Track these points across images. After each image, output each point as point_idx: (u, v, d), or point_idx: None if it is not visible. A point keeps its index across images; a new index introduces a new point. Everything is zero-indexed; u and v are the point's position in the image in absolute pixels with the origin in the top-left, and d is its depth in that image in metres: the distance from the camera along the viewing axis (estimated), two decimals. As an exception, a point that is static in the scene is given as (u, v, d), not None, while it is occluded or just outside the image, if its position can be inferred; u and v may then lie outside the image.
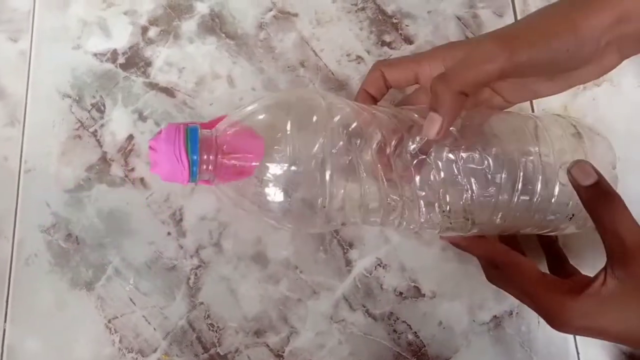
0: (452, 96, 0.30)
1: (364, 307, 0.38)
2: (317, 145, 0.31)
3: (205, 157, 0.31)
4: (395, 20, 0.43)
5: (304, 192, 0.31)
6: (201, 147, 0.31)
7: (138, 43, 0.42)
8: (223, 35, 0.42)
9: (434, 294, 0.38)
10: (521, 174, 0.32)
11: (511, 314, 0.38)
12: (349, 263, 0.38)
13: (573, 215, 0.34)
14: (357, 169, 0.32)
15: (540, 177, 0.33)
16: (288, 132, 0.31)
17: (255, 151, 0.31)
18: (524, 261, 0.32)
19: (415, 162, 0.32)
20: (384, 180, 0.32)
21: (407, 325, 0.38)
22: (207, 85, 0.41)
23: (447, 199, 0.32)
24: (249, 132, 0.32)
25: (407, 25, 0.43)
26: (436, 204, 0.32)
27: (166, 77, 0.41)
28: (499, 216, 0.33)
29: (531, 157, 0.33)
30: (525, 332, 0.38)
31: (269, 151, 0.31)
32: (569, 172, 0.30)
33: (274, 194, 0.31)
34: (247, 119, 0.33)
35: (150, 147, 0.32)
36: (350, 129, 0.32)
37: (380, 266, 0.39)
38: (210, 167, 0.32)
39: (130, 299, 0.37)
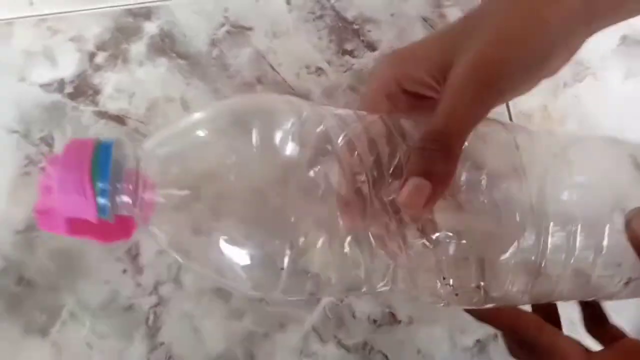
0: (453, 161, 0.23)
1: (336, 337, 0.35)
2: (277, 180, 0.23)
3: (120, 186, 0.23)
4: (356, 27, 0.41)
5: (259, 245, 0.23)
6: (115, 172, 0.23)
7: (85, 70, 0.40)
8: (174, 55, 0.40)
9: (411, 319, 0.35)
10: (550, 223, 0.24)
11: (496, 337, 0.35)
12: (318, 291, 0.36)
13: (630, 279, 0.25)
14: (332, 214, 0.23)
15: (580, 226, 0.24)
16: (240, 158, 0.23)
17: (190, 185, 0.24)
18: (564, 342, 0.25)
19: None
20: (371, 236, 0.24)
21: (384, 354, 0.35)
22: (160, 110, 0.39)
23: (447, 265, 0.24)
24: (187, 153, 0.24)
25: (369, 31, 0.41)
26: (433, 271, 0.24)
27: (116, 104, 0.39)
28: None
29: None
30: (512, 355, 0.35)
31: (210, 186, 0.23)
32: (628, 224, 0.23)
33: (220, 249, 0.23)
34: (187, 135, 0.24)
35: (44, 168, 0.24)
36: (325, 153, 0.24)
37: (352, 292, 0.36)
38: (127, 200, 0.23)
39: (87, 344, 0.35)
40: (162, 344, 0.35)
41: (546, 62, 0.25)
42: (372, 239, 0.23)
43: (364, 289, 0.25)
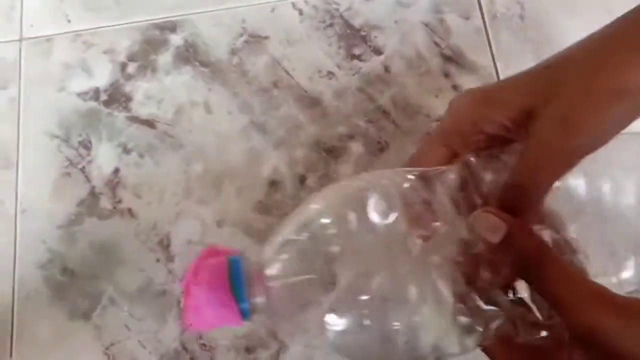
0: (533, 214, 0.24)
1: (350, 317, 0.38)
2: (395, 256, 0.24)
3: (253, 289, 0.25)
4: (363, 33, 0.44)
5: (384, 322, 0.24)
6: (248, 281, 0.25)
7: (118, 80, 0.44)
8: (197, 63, 0.44)
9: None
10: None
11: None
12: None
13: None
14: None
15: None
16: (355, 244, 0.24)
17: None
18: None
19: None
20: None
21: (394, 331, 0.38)
22: (186, 114, 0.43)
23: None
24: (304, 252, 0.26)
25: (375, 37, 0.44)
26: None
27: (146, 110, 0.43)
28: None
29: None
30: None
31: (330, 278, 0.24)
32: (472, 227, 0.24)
33: (343, 329, 0.24)
34: (296, 234, 0.26)
35: (185, 292, 0.26)
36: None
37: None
38: (261, 301, 0.25)
39: (126, 326, 0.39)
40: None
41: (624, 127, 0.25)
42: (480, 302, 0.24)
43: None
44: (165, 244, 0.40)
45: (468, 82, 0.43)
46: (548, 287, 0.22)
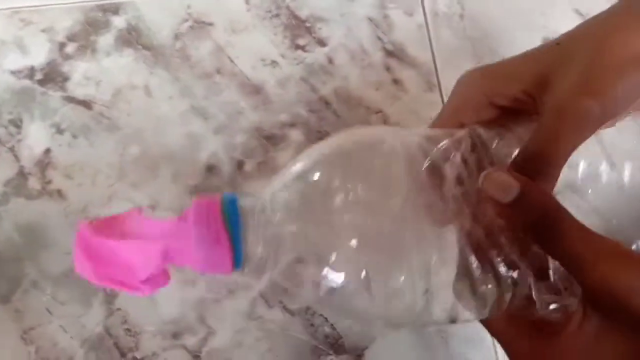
0: (551, 183, 0.23)
1: (281, 303, 0.38)
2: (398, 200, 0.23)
3: (253, 233, 0.22)
4: (308, 25, 0.45)
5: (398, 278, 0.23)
6: (246, 221, 0.22)
7: (55, 59, 0.43)
8: (140, 47, 0.43)
9: (352, 286, 0.38)
10: None
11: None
12: (267, 261, 0.39)
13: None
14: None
15: None
16: (357, 193, 0.23)
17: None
18: None
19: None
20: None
21: (324, 318, 0.38)
22: (125, 96, 0.42)
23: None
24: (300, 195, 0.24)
25: (320, 29, 0.45)
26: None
27: (83, 91, 0.42)
28: None
29: None
30: (445, 319, 0.38)
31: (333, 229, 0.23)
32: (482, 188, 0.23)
33: (349, 282, 0.22)
34: (297, 180, 0.24)
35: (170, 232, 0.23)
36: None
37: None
38: (260, 252, 0.23)
39: (47, 309, 0.37)
40: (118, 309, 0.37)
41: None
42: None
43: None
44: (94, 227, 0.39)
45: (408, 77, 0.44)
46: (564, 244, 0.21)
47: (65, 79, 0.42)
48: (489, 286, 0.24)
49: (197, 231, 0.22)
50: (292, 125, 0.42)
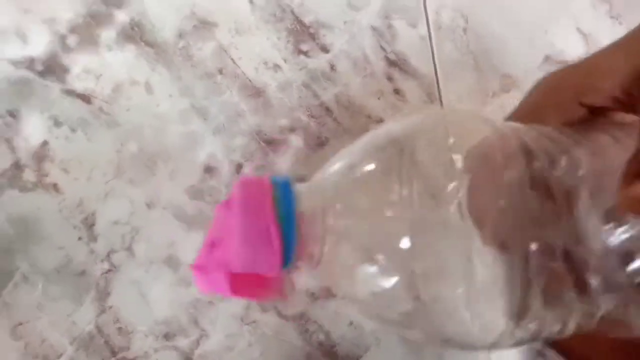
0: None
1: (276, 308, 0.38)
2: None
3: (308, 233, 0.18)
4: (312, 31, 0.45)
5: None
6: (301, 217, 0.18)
7: (56, 51, 0.42)
8: (142, 43, 0.43)
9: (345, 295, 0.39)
10: None
11: (420, 312, 0.39)
12: (262, 265, 0.39)
13: None
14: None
15: None
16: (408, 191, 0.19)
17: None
18: None
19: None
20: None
21: (319, 325, 0.38)
22: (125, 92, 0.42)
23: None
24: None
25: (323, 35, 0.45)
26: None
27: (83, 84, 0.42)
28: None
29: None
30: (436, 330, 0.39)
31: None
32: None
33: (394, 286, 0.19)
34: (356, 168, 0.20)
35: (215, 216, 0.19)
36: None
37: (293, 267, 0.39)
38: (314, 253, 0.19)
39: (38, 305, 0.37)
40: (110, 307, 0.37)
41: None
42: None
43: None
44: (89, 223, 0.39)
45: (410, 88, 0.44)
46: None
47: (65, 71, 0.42)
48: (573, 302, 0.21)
49: (243, 221, 0.17)
50: (292, 130, 0.42)
